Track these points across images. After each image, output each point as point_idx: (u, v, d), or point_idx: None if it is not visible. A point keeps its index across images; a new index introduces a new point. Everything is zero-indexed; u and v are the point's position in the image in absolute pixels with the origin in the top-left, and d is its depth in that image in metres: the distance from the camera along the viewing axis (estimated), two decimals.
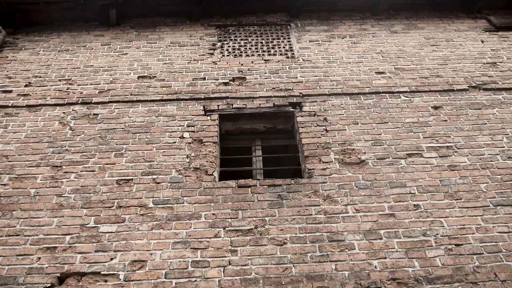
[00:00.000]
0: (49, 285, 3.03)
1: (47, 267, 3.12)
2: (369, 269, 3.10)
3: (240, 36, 5.34)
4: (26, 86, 4.62)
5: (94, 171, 3.77)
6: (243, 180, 3.68)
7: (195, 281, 3.04)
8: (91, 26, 5.48)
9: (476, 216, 3.43)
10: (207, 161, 3.85)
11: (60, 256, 3.18)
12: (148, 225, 3.37)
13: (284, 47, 5.17)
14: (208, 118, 4.26)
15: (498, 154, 3.89)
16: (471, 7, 5.66)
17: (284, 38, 5.31)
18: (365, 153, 3.91)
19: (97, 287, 3.02)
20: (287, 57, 5.02)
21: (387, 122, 4.20)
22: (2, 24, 5.26)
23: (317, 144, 3.99)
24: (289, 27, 5.49)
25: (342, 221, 3.39)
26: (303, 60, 4.93)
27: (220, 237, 3.29)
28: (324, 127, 4.15)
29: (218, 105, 4.39)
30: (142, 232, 3.32)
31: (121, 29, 5.43)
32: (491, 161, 3.84)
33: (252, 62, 4.90)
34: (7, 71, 4.82)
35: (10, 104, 4.41)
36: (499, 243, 3.24)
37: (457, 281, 3.03)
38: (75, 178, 3.71)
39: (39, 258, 3.18)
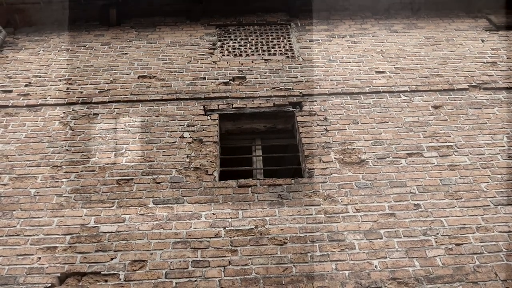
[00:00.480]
0: (49, 285, 3.03)
1: (47, 267, 3.12)
2: (370, 269, 3.09)
3: (240, 36, 5.34)
4: (26, 86, 4.62)
5: (94, 171, 3.77)
6: (243, 179, 3.68)
7: (196, 281, 3.04)
8: (91, 26, 5.48)
9: (476, 215, 3.43)
10: (207, 161, 3.85)
11: (60, 256, 3.18)
12: (148, 225, 3.37)
13: (284, 47, 5.16)
14: (208, 117, 4.26)
15: (499, 154, 3.89)
16: (471, 6, 5.66)
17: (284, 38, 5.30)
18: (365, 152, 3.90)
19: (97, 287, 3.02)
20: (287, 57, 5.01)
21: (387, 122, 4.19)
22: (2, 24, 5.26)
23: (317, 143, 3.99)
24: (289, 26, 5.48)
25: (342, 220, 3.39)
26: (303, 59, 4.93)
27: (221, 236, 3.29)
28: (324, 127, 4.15)
29: (218, 105, 4.38)
30: (142, 232, 3.32)
31: (121, 28, 5.43)
32: (492, 160, 3.84)
33: (252, 62, 4.90)
34: (7, 71, 4.82)
35: (10, 104, 4.41)
36: (500, 243, 3.24)
37: (458, 280, 3.02)
38: (75, 178, 3.71)
39: (39, 258, 3.17)
